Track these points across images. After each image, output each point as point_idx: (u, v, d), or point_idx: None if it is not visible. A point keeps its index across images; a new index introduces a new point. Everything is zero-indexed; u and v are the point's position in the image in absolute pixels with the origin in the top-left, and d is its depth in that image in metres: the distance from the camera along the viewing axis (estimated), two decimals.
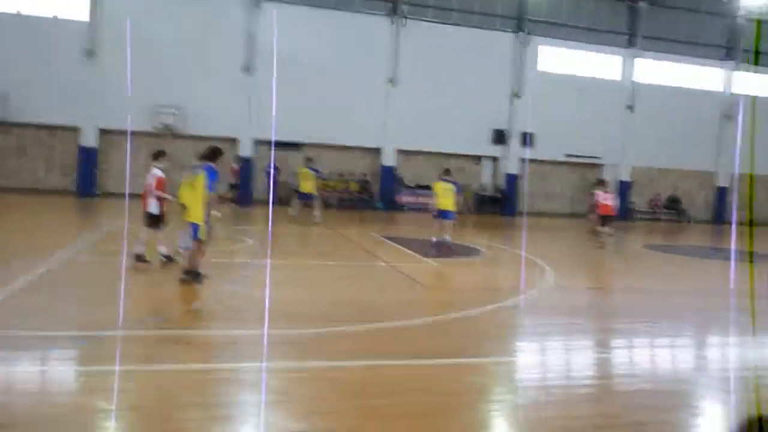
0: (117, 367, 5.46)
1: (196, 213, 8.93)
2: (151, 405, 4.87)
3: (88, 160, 24.18)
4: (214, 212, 9.20)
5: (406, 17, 26.90)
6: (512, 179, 28.66)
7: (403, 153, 27.69)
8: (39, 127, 24.25)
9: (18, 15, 22.14)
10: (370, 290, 9.91)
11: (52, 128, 24.44)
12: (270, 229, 17.66)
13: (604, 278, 13.64)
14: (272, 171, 22.22)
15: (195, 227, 8.95)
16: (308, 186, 18.80)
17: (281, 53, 24.35)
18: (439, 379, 5.90)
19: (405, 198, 27.48)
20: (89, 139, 24.24)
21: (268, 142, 26.00)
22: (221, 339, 6.72)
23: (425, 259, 13.23)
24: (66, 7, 24.12)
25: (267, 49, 25.07)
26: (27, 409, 4.67)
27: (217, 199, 9.42)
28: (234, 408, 4.96)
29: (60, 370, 5.59)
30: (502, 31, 28.22)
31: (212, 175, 8.93)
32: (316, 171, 19.30)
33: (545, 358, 7.06)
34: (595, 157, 29.75)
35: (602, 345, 7.69)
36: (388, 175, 27.33)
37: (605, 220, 16.80)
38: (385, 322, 7.63)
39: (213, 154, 9.15)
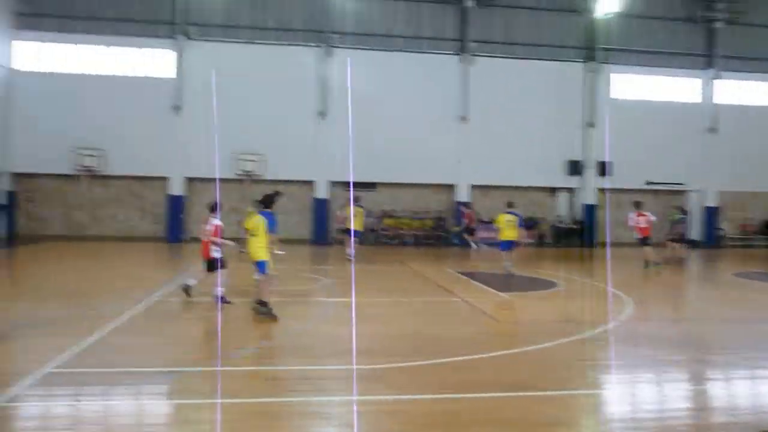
0: (202, 401, 5.84)
1: (260, 253, 9.86)
2: None
3: (176, 207, 25.63)
4: (276, 251, 10.44)
5: (474, 54, 27.27)
6: (589, 210, 28.07)
7: (478, 188, 27.73)
8: (132, 178, 26.00)
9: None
10: (443, 325, 10.00)
11: (143, 179, 26.13)
12: (352, 268, 18.04)
13: (690, 308, 13.11)
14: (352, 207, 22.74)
15: (260, 264, 9.89)
16: (357, 223, 19.50)
17: (353, 96, 25.30)
18: (511, 411, 5.92)
19: (480, 233, 27.38)
20: (177, 188, 25.71)
21: (343, 184, 26.76)
22: (296, 374, 7.00)
23: (500, 293, 13.19)
24: (154, 65, 26.01)
25: (340, 93, 26.06)
26: None
27: (275, 240, 10.73)
28: None
29: (152, 403, 6.00)
30: (573, 61, 28.06)
31: (270, 219, 10.08)
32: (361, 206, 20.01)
33: (629, 390, 6.87)
34: (678, 183, 28.72)
35: (691, 378, 7.44)
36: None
37: (643, 242, 17.30)
38: (457, 356, 7.71)
39: (269, 201, 10.44)
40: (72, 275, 15.31)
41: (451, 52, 27.38)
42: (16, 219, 25.63)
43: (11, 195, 25.47)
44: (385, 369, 7.14)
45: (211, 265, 11.01)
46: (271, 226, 10.04)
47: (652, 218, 17.81)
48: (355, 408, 5.86)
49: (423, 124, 26.81)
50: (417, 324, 10.03)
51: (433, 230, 27.74)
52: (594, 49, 27.95)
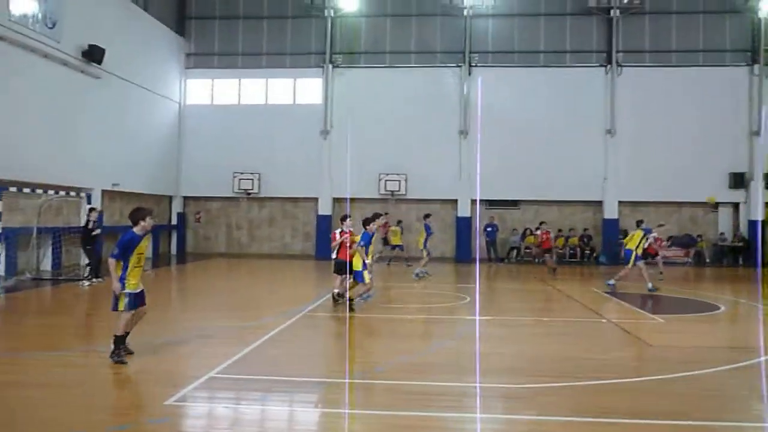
0: (347, 411, 6.13)
1: (356, 263, 11.98)
2: None
3: (324, 226, 26.95)
4: (368, 261, 12.19)
5: (621, 65, 26.13)
6: (756, 226, 25.57)
7: (627, 204, 26.36)
8: (285, 199, 27.75)
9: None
10: (588, 346, 9.63)
11: (295, 200, 27.79)
12: (477, 291, 17.91)
13: None
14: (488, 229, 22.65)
15: (357, 274, 11.99)
16: (397, 239, 22.39)
17: (495, 114, 25.24)
18: None
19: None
20: (325, 208, 27.01)
21: (485, 201, 26.68)
22: (437, 390, 7.09)
23: (653, 315, 12.46)
24: (304, 94, 27.71)
25: (481, 112, 26.11)
26: None
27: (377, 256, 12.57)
28: None
29: (301, 411, 6.39)
30: (733, 65, 25.95)
31: (366, 237, 12.25)
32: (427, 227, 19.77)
33: None
34: None
35: None
36: (611, 228, 26.15)
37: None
38: (604, 379, 7.42)
39: (368, 222, 12.47)
40: (234, 289, 16.66)
41: (597, 64, 26.46)
42: (185, 238, 28.35)
43: (181, 216, 28.25)
44: (528, 389, 7.04)
45: (340, 267, 12.38)
46: (365, 243, 12.14)
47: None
48: (496, 426, 5.84)
49: (567, 139, 26.08)
50: (561, 345, 9.75)
51: (580, 249, 26.72)
52: (759, 51, 25.66)
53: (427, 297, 13.87)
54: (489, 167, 25.73)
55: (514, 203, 26.93)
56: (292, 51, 27.76)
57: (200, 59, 28.28)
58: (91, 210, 16.53)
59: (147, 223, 7.90)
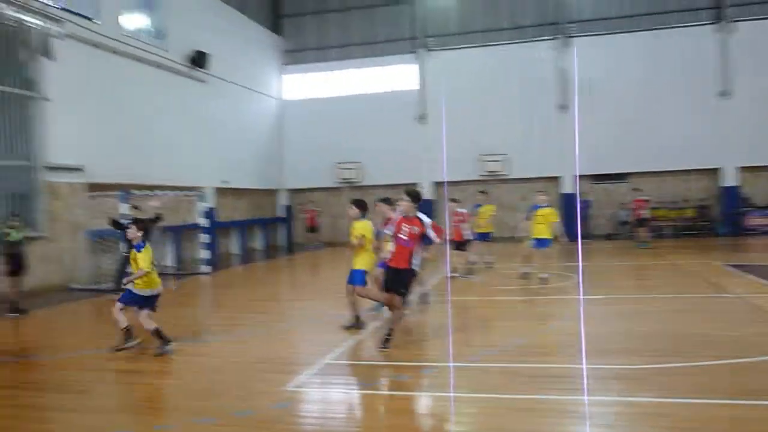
0: (459, 395, 6.17)
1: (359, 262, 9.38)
2: (486, 429, 5.39)
3: (427, 211, 26.89)
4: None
5: (733, 21, 24.23)
6: None
7: (747, 170, 24.50)
8: (387, 186, 27.98)
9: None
10: (712, 323, 9.10)
11: (396, 186, 27.97)
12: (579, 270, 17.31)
13: None
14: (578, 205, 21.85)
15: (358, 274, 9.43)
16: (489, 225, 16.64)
17: (596, 84, 24.20)
18: None
19: (753, 220, 24.17)
20: (427, 193, 27.01)
21: (590, 177, 25.76)
22: (551, 372, 6.97)
23: None
24: (399, 80, 27.82)
25: (580, 84, 25.14)
26: (396, 427, 5.63)
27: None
28: None
29: (413, 395, 6.49)
30: None
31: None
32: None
33: None
34: None
35: None
36: (731, 196, 24.43)
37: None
38: (728, 358, 7.00)
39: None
40: (343, 277, 17.08)
41: (706, 22, 24.67)
42: (292, 229, 29.38)
43: (288, 209, 29.31)
44: (645, 369, 6.76)
45: (460, 245, 13.72)
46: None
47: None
48: (613, 409, 5.68)
49: (677, 105, 24.57)
50: (681, 322, 9.29)
51: (696, 220, 25.19)
52: None
53: (533, 277, 13.60)
54: (592, 141, 24.73)
55: (621, 176, 25.77)
56: (383, 39, 27.93)
57: (296, 55, 29.07)
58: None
59: (129, 233, 8.28)
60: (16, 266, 11.54)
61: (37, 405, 6.38)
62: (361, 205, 9.33)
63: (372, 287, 9.14)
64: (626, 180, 25.78)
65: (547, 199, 13.79)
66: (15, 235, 11.55)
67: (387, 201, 9.97)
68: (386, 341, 7.92)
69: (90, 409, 6.16)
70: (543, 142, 25.47)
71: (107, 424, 5.71)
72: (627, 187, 25.59)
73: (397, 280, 8.02)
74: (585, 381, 6.43)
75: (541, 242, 13.29)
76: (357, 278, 9.11)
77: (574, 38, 25.57)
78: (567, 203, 25.50)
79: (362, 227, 9.16)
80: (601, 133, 24.11)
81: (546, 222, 13.18)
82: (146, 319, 8.12)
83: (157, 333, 8.07)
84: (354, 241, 9.00)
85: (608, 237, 25.14)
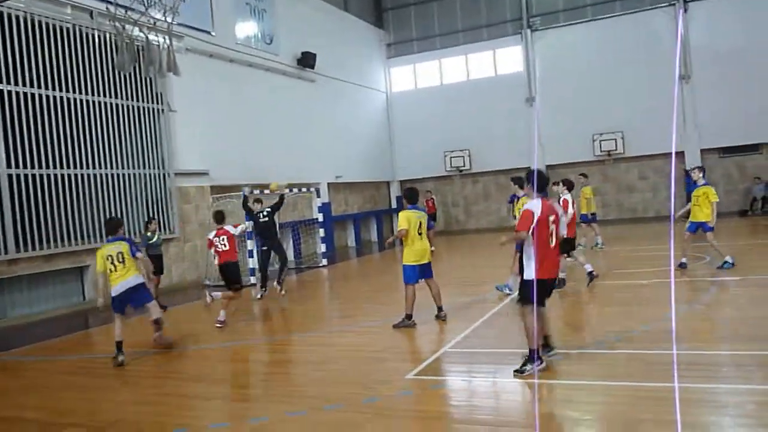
0: (586, 382, 6.06)
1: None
2: (614, 417, 5.25)
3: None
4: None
5: None
6: None
7: None
8: (498, 172, 27.64)
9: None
10: None
11: (507, 171, 27.56)
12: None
13: None
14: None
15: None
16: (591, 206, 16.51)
17: (720, 51, 22.58)
18: None
19: None
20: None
21: (718, 150, 24.05)
22: (682, 359, 6.64)
23: None
24: (504, 63, 27.31)
25: (703, 52, 23.49)
26: (516, 413, 5.63)
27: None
28: (689, 428, 4.88)
29: (535, 383, 6.42)
30: None
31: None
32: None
33: None
34: None
35: None
36: None
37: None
38: None
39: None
40: (458, 266, 17.18)
41: None
42: None
43: (399, 200, 29.66)
44: None
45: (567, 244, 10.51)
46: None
47: None
48: (758, 398, 5.34)
49: None
50: None
51: None
52: None
53: (660, 260, 12.93)
54: (718, 110, 23.07)
55: (754, 147, 23.81)
56: (488, 23, 27.49)
57: (400, 47, 29.28)
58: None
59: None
60: (158, 267, 12.53)
61: (182, 393, 6.96)
62: (409, 196, 9.08)
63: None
64: (759, 151, 23.82)
65: (702, 177, 12.04)
66: (156, 238, 12.56)
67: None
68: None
69: (228, 397, 6.64)
70: (662, 116, 23.97)
71: (246, 412, 6.13)
72: (763, 159, 23.65)
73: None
74: (720, 369, 6.10)
75: (695, 225, 11.98)
76: (406, 274, 8.98)
77: (695, 2, 23.88)
78: (689, 180, 23.96)
79: (404, 217, 8.83)
80: (727, 102, 22.46)
81: (702, 203, 11.70)
82: None
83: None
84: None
85: (742, 214, 23.37)
